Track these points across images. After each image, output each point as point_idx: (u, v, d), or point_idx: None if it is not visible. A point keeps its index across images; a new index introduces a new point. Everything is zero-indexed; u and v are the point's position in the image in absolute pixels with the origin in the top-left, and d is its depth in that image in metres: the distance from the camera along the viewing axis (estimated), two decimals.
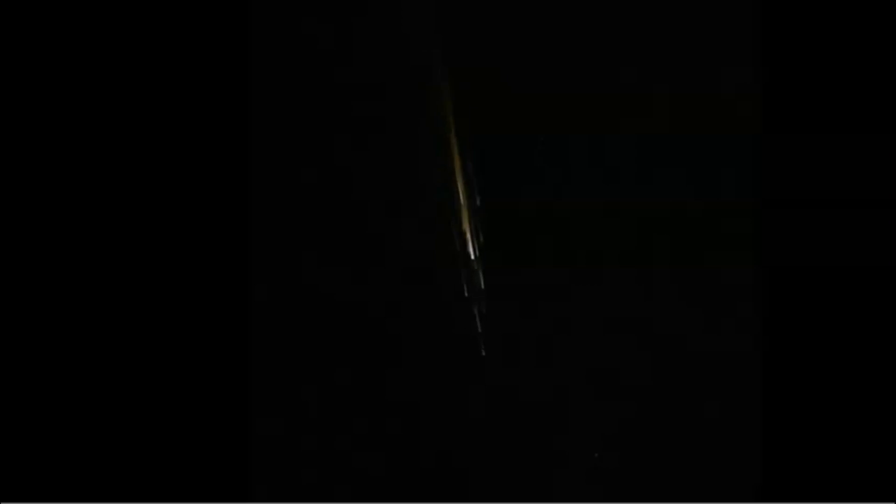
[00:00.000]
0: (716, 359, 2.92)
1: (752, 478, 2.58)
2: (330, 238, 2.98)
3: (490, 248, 2.99)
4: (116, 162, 2.46)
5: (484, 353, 2.96)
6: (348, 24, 3.00)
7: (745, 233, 2.77)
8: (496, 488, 2.93)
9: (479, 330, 2.96)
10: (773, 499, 2.47)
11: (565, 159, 2.99)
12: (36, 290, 2.42)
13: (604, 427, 2.95)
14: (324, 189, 2.99)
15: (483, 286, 2.98)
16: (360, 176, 3.00)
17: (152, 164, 2.47)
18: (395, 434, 2.95)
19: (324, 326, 2.97)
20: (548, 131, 2.99)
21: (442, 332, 2.97)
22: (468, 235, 2.98)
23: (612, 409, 2.95)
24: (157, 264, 2.46)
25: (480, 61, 3.00)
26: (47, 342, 2.41)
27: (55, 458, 2.40)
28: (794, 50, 2.53)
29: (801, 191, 2.53)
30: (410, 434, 2.96)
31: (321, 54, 3.00)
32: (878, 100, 2.51)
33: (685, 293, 2.96)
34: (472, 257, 2.98)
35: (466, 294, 2.97)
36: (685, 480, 2.89)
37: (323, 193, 2.99)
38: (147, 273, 2.45)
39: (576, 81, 3.00)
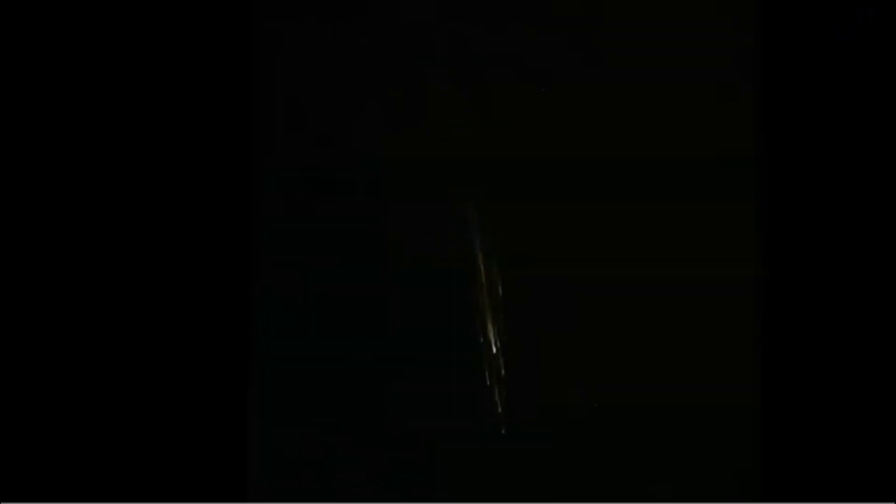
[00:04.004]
0: (716, 358, 2.92)
1: (752, 478, 2.58)
2: (330, 238, 2.98)
3: (491, 248, 2.99)
4: (117, 161, 2.46)
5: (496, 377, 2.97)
6: (348, 25, 3.00)
7: (745, 233, 2.76)
8: (496, 488, 2.93)
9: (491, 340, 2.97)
10: (773, 499, 2.47)
11: (563, 159, 2.99)
12: (36, 291, 2.42)
13: (603, 427, 2.95)
14: (324, 189, 2.99)
15: (489, 288, 2.98)
16: (361, 175, 3.00)
17: (153, 163, 2.47)
18: (396, 434, 2.95)
19: (324, 326, 2.97)
20: (547, 131, 2.99)
21: (442, 332, 2.97)
22: (472, 236, 2.99)
23: (612, 409, 2.95)
24: (157, 264, 2.46)
25: (480, 61, 3.00)
26: (48, 342, 2.41)
27: (55, 459, 2.40)
28: (795, 50, 2.53)
29: (801, 191, 2.53)
30: (411, 434, 2.95)
31: (321, 54, 3.00)
32: (879, 100, 2.51)
33: (685, 293, 2.96)
34: (476, 257, 2.98)
35: (473, 296, 2.97)
36: (685, 480, 2.89)
37: (323, 193, 2.99)
38: (147, 273, 2.45)
39: (575, 81, 2.99)
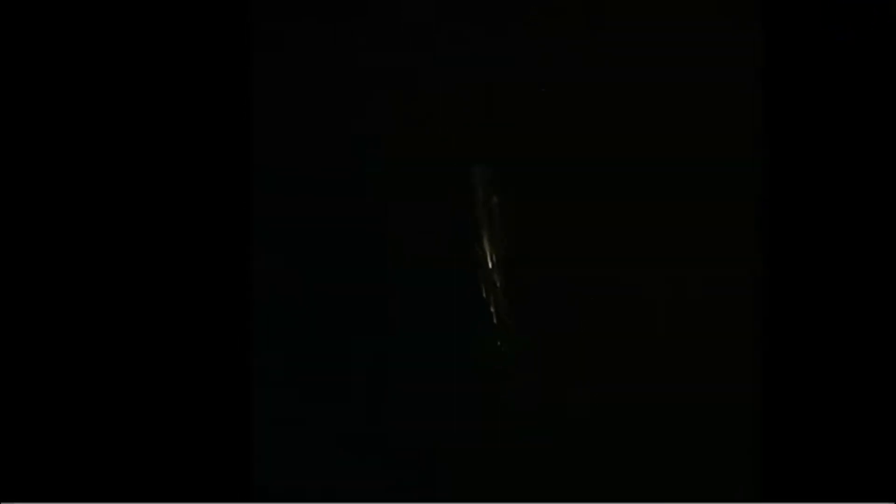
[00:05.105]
0: (716, 358, 2.92)
1: (753, 477, 2.58)
2: (330, 238, 2.98)
3: (491, 248, 2.99)
4: (119, 162, 2.46)
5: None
6: (348, 24, 3.00)
7: (746, 233, 2.76)
8: (496, 488, 2.93)
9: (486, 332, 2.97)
10: (773, 499, 2.47)
11: (563, 159, 2.99)
12: (40, 291, 2.42)
13: (604, 427, 2.95)
14: (324, 189, 2.99)
15: (490, 286, 2.98)
16: (361, 175, 3.00)
17: (154, 164, 2.47)
18: (396, 434, 2.95)
19: (324, 326, 2.97)
20: (547, 131, 2.99)
21: (443, 332, 2.98)
22: (471, 236, 2.99)
23: (612, 408, 2.95)
24: (159, 264, 2.46)
25: (480, 60, 3.00)
26: (49, 341, 2.41)
27: (55, 458, 2.40)
28: (795, 50, 2.54)
29: (801, 191, 2.53)
30: (411, 434, 2.96)
31: (321, 54, 3.00)
32: (879, 100, 2.51)
33: (685, 293, 2.96)
34: (477, 256, 2.99)
35: (478, 293, 2.97)
36: (685, 481, 2.89)
37: (323, 193, 2.99)
38: (149, 273, 2.45)
39: (575, 81, 3.00)
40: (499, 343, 2.97)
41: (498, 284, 2.98)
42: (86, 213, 2.43)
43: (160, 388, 2.43)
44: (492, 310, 2.98)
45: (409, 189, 2.98)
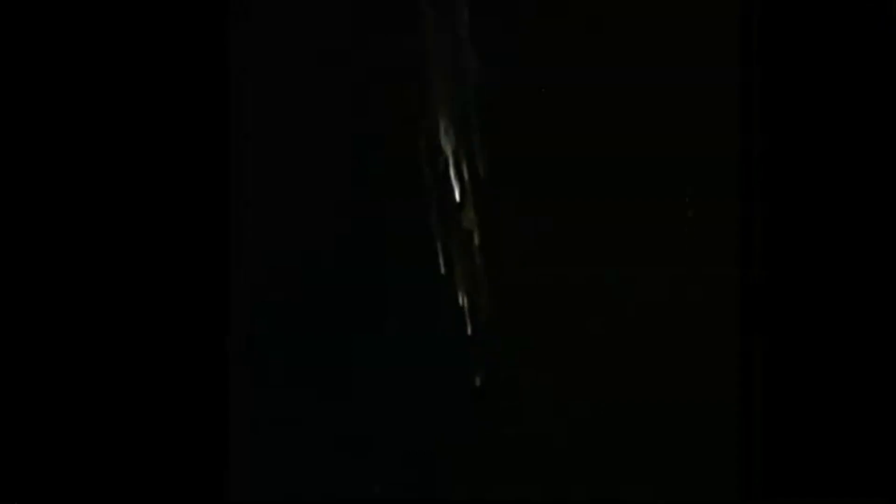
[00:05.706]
0: (702, 357, 2.92)
1: (752, 477, 2.58)
2: (329, 238, 2.99)
3: (486, 245, 2.99)
4: (109, 155, 2.46)
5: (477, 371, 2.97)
6: (349, 23, 3.01)
7: (734, 232, 2.76)
8: (491, 487, 2.94)
9: (474, 329, 2.97)
10: (772, 498, 2.47)
11: (556, 159, 3.00)
12: (40, 291, 2.42)
13: (598, 428, 2.95)
14: (322, 188, 3.00)
15: (481, 284, 2.98)
16: (361, 174, 3.00)
17: (145, 164, 2.47)
18: (394, 434, 2.96)
19: (323, 326, 2.98)
20: (539, 130, 2.99)
21: (442, 331, 2.98)
22: (466, 233, 2.99)
23: (607, 409, 2.95)
24: (157, 266, 2.46)
25: (476, 60, 3.00)
26: (49, 340, 2.41)
27: (54, 459, 2.40)
28: (786, 50, 2.54)
29: (795, 191, 2.53)
30: (409, 434, 2.96)
31: (321, 52, 3.00)
32: (868, 100, 2.51)
33: (677, 293, 2.97)
34: (471, 254, 2.99)
35: (463, 292, 2.97)
36: (683, 481, 2.90)
37: (321, 192, 3.00)
38: (144, 276, 2.45)
39: (568, 81, 3.00)
40: (498, 342, 2.97)
41: (496, 283, 2.98)
42: (80, 214, 2.43)
43: (155, 390, 2.43)
44: (490, 309, 2.98)
45: (408, 188, 2.99)
